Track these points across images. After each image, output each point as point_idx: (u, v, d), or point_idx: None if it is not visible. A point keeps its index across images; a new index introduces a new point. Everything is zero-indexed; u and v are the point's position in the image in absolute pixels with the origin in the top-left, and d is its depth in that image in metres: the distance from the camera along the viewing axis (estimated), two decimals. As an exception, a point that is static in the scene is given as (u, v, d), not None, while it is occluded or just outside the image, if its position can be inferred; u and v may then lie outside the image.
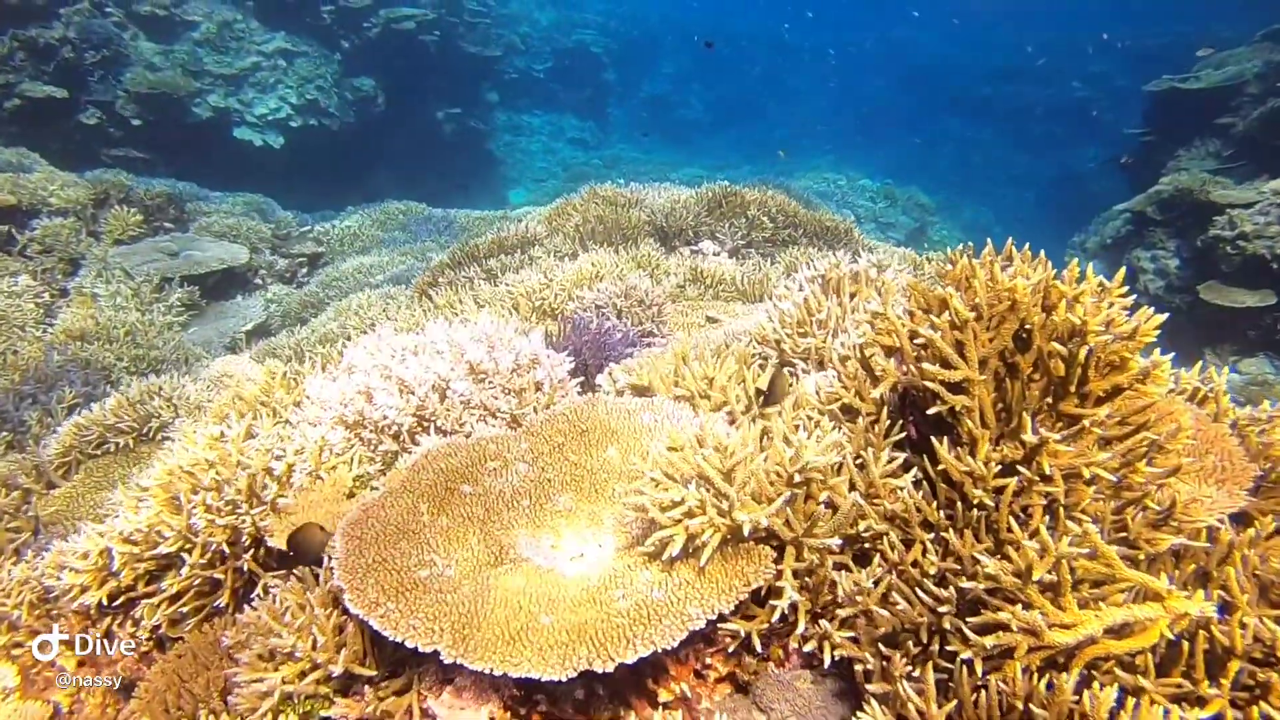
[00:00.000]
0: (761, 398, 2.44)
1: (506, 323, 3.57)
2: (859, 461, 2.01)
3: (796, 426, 2.30)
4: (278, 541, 2.33)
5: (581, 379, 3.22)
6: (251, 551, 2.37)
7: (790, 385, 2.63)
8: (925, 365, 1.84)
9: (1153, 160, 15.33)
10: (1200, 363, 2.64)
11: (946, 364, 1.86)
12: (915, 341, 1.99)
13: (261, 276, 8.47)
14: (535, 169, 26.78)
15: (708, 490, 1.81)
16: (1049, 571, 1.56)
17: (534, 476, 2.28)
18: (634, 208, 6.58)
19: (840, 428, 2.12)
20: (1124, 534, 1.73)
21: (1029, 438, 1.75)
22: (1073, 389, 1.85)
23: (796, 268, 5.35)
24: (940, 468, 1.87)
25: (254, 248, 8.51)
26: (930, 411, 1.86)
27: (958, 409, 1.87)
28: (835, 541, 1.77)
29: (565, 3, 30.31)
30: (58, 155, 10.90)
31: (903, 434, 2.01)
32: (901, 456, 1.94)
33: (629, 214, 5.96)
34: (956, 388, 1.88)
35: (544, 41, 29.27)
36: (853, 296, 3.22)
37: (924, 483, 1.97)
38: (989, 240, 2.10)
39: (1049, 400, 1.92)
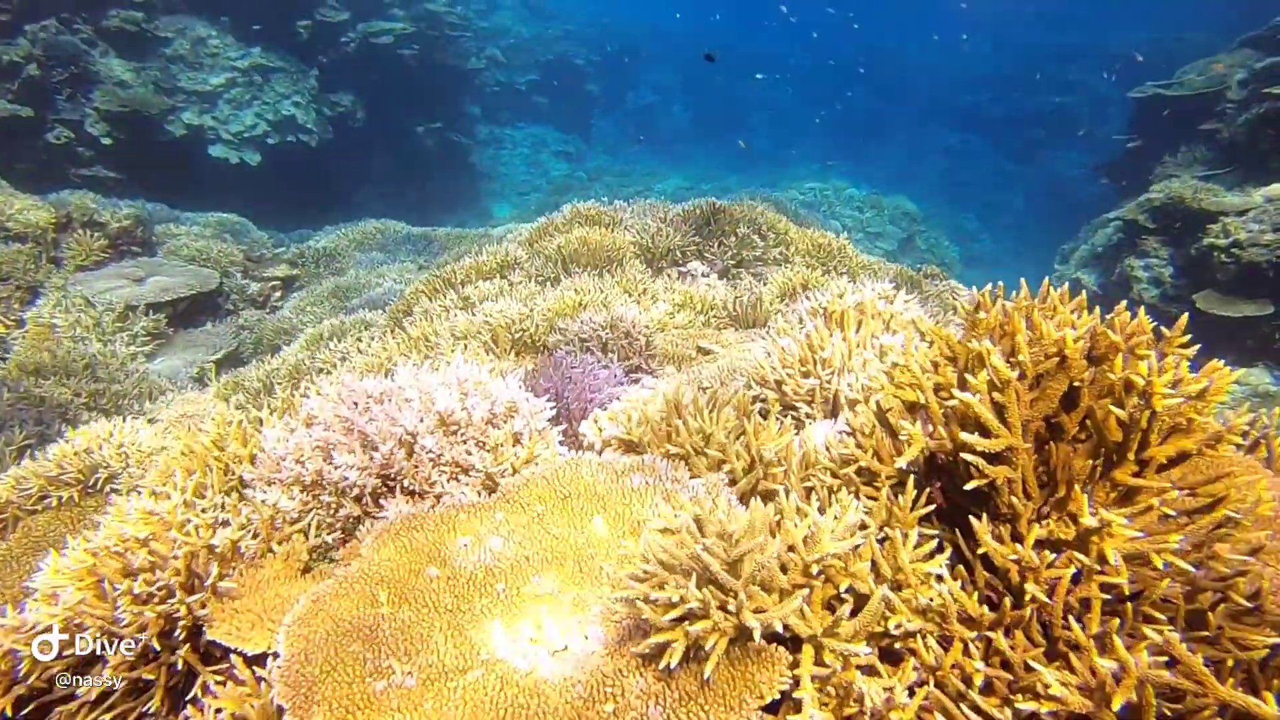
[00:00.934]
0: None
1: (482, 364, 3.30)
2: (883, 537, 1.74)
3: (809, 490, 2.04)
4: (218, 633, 2.03)
5: (564, 426, 2.94)
6: (189, 644, 2.08)
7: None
8: (964, 435, 1.58)
9: (1140, 167, 15.30)
10: (1247, 403, 2.40)
11: (985, 431, 1.60)
12: (944, 400, 1.73)
13: (233, 301, 8.14)
14: (519, 182, 26.55)
15: (710, 587, 1.54)
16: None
17: (510, 554, 2.00)
18: (618, 227, 6.33)
19: (858, 497, 1.86)
20: (1203, 632, 1.48)
21: (1088, 520, 1.49)
22: (1130, 455, 1.60)
23: (791, 290, 5.11)
24: (980, 550, 1.61)
25: (225, 271, 8.18)
26: (969, 486, 1.59)
27: (998, 482, 1.61)
28: (863, 649, 1.50)
29: (547, 15, 30.16)
30: (24, 176, 10.56)
31: (931, 506, 1.74)
32: (934, 537, 1.67)
33: (613, 235, 5.71)
34: (996, 457, 1.62)
35: (526, 54, 29.09)
36: (858, 328, 2.97)
37: (959, 565, 1.70)
38: (1023, 281, 1.85)
39: (1098, 464, 1.67)
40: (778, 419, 2.76)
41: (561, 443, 2.77)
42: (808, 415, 2.68)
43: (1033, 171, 28.85)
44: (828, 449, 2.16)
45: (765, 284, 5.67)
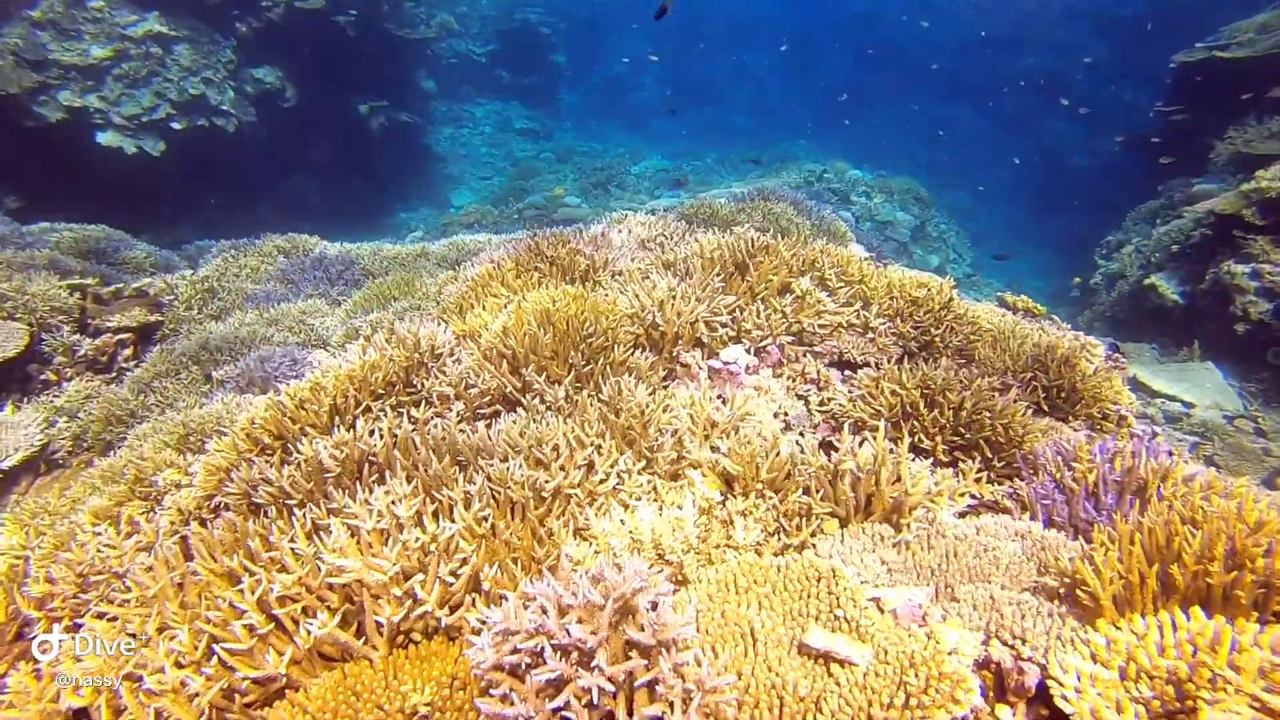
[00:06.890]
0: None
1: None
2: None
3: None
4: None
5: None
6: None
7: None
8: None
9: (1187, 142, 13.26)
10: None
11: None
12: None
13: (57, 366, 5.75)
14: (480, 165, 23.96)
15: None
16: None
17: None
18: (601, 275, 4.06)
19: None
20: None
21: None
22: None
23: (901, 410, 2.94)
24: None
25: (44, 324, 5.78)
26: None
27: None
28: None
29: (506, -24, 27.36)
30: None
31: None
32: None
33: (594, 300, 3.45)
34: None
35: (484, 22, 26.40)
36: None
37: None
38: None
39: None
40: None
41: None
42: None
43: (1021, 141, 27.04)
44: None
45: (857, 389, 3.47)
